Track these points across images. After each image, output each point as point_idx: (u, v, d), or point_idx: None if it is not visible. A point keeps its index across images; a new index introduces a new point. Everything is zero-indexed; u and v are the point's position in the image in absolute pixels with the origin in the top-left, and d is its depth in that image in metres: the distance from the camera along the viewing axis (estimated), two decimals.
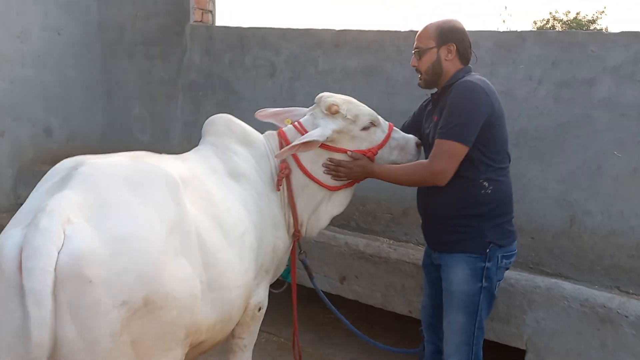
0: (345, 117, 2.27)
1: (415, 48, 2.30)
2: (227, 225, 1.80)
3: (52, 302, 1.26)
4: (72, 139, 4.89)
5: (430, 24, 2.30)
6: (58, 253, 1.28)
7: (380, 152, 2.33)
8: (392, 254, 3.12)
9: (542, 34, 3.08)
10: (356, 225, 3.79)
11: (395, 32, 3.49)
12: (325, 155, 2.28)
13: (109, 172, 1.49)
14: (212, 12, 4.62)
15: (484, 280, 2.18)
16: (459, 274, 2.20)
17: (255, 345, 3.41)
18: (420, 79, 2.33)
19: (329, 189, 2.31)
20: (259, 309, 2.21)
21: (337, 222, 3.88)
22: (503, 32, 3.14)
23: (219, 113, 2.36)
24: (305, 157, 2.27)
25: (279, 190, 2.23)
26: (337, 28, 3.79)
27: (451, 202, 2.20)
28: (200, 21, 4.55)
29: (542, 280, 2.64)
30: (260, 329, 3.60)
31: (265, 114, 2.52)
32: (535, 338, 2.61)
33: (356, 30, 3.71)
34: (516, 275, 2.72)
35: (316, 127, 2.26)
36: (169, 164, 1.76)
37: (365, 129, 2.31)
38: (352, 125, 2.28)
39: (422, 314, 2.62)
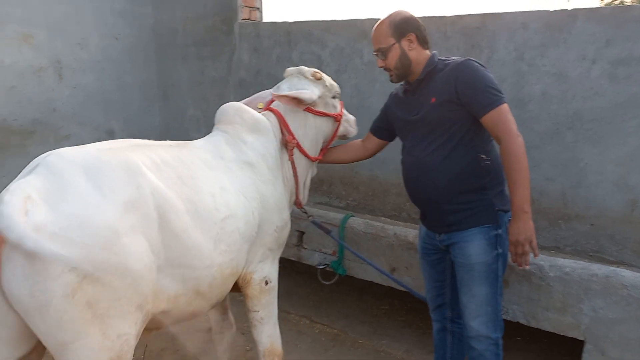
0: (324, 84, 2.59)
1: (377, 50, 2.34)
2: (204, 209, 1.95)
3: (24, 225, 1.44)
4: None
5: (381, 23, 2.33)
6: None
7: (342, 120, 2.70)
8: None
9: (595, 11, 2.91)
10: (407, 215, 3.77)
11: (441, 17, 3.41)
12: (308, 121, 2.54)
13: (71, 160, 1.66)
14: (259, 9, 4.68)
15: (498, 247, 2.24)
16: (476, 247, 2.24)
17: (308, 336, 3.52)
18: (391, 76, 2.37)
19: (311, 160, 2.61)
20: (266, 283, 2.34)
21: (388, 213, 3.87)
22: (553, 11, 3.00)
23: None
24: (296, 127, 2.51)
25: (291, 159, 2.48)
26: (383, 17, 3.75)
27: (454, 182, 2.23)
28: (248, 19, 4.61)
29: (599, 268, 2.53)
30: (313, 321, 3.73)
31: (255, 101, 2.72)
32: (593, 328, 2.50)
33: None
34: (572, 264, 2.61)
35: (313, 88, 2.55)
36: (146, 152, 1.92)
37: (334, 97, 2.66)
38: (328, 92, 2.61)
39: (427, 297, 2.66)
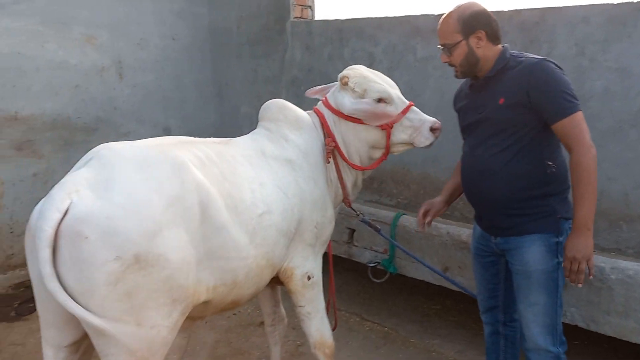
0: (353, 89, 2.39)
1: (442, 45, 2.21)
2: (243, 205, 2.01)
3: (49, 255, 1.54)
4: None
5: (449, 16, 2.19)
6: (63, 215, 1.57)
7: (393, 128, 2.41)
8: None
9: None
10: (460, 214, 3.71)
11: (498, 12, 3.33)
12: (346, 127, 2.44)
13: (122, 155, 1.76)
14: (311, 7, 4.71)
15: (559, 255, 2.12)
16: (535, 254, 2.14)
17: (359, 333, 3.53)
18: (456, 72, 2.25)
19: (352, 167, 2.49)
20: (308, 278, 2.35)
21: None
22: (616, 4, 2.87)
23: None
24: (339, 135, 2.44)
25: (328, 162, 2.40)
26: (436, 13, 3.70)
27: (516, 187, 2.13)
28: (300, 17, 4.66)
29: None
30: (364, 318, 3.74)
31: (313, 91, 2.70)
32: None
33: None
34: (635, 266, 2.51)
35: (335, 100, 2.46)
36: (192, 149, 2.00)
37: (379, 100, 2.38)
38: (360, 99, 2.39)
39: (479, 299, 2.57)
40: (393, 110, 2.39)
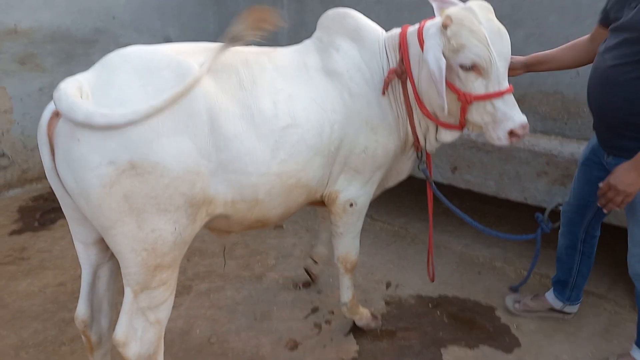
0: (449, 39, 1.91)
1: None
2: (261, 116, 1.88)
3: (48, 152, 1.64)
4: None
5: None
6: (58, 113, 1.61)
7: (472, 105, 1.97)
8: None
9: None
10: None
11: None
12: (423, 71, 2.06)
13: (127, 60, 1.71)
14: None
15: None
16: None
17: (370, 232, 3.67)
18: None
19: (429, 118, 2.14)
20: (350, 205, 2.26)
21: None
22: None
23: (325, 11, 2.31)
24: (415, 65, 2.10)
25: (384, 94, 2.13)
26: None
27: (637, 106, 1.92)
28: None
29: None
30: (374, 219, 3.88)
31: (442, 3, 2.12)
32: None
33: None
34: None
35: (427, 39, 1.97)
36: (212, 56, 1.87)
37: (464, 68, 1.92)
38: (452, 53, 1.91)
39: (563, 209, 2.55)
40: (481, 86, 1.94)
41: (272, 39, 4.69)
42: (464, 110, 1.99)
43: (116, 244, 1.69)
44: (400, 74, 2.10)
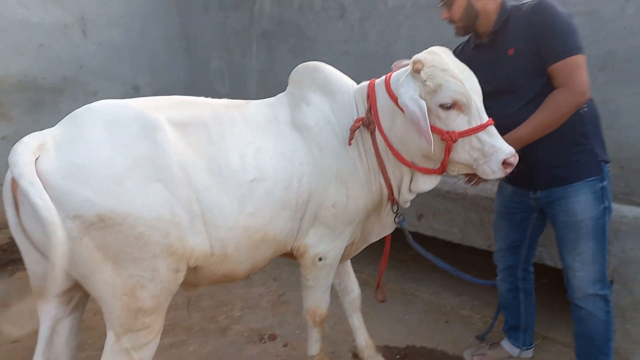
0: (424, 82, 1.89)
1: (441, 0, 2.18)
2: (228, 169, 1.88)
3: (12, 208, 1.64)
4: (159, 95, 5.14)
5: None
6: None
7: (456, 143, 1.92)
8: (469, 190, 3.10)
9: None
10: None
11: None
12: (397, 118, 2.02)
13: (95, 114, 1.73)
14: None
15: (604, 200, 2.14)
16: (581, 203, 2.13)
17: None
18: (456, 29, 2.22)
19: (406, 165, 2.09)
20: (320, 259, 2.19)
21: None
22: None
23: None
24: (384, 116, 2.06)
25: (350, 144, 2.09)
26: None
27: (560, 133, 2.07)
28: None
29: (629, 210, 2.53)
30: None
31: (400, 64, 2.15)
32: (622, 269, 2.53)
33: None
34: None
35: (398, 83, 1.98)
36: (182, 110, 1.92)
37: (444, 107, 1.89)
38: (430, 95, 1.89)
39: (496, 257, 2.64)
40: (463, 122, 1.91)
41: (241, 87, 4.76)
42: (448, 150, 1.93)
43: (96, 290, 1.68)
44: (368, 124, 2.08)
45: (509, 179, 2.19)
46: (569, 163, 2.14)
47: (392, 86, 2.02)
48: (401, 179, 2.17)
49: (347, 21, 3.98)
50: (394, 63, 2.20)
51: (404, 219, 2.29)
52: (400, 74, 2.03)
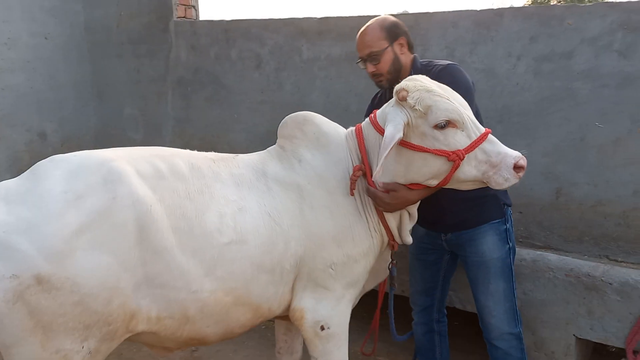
0: (413, 107, 1.85)
1: (368, 55, 2.26)
2: (201, 229, 1.77)
3: None
4: (67, 142, 4.93)
5: (371, 27, 2.28)
6: None
7: (463, 160, 1.85)
8: None
9: (520, 10, 3.08)
10: None
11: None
12: (408, 159, 1.92)
13: (57, 165, 1.63)
14: (195, 7, 4.63)
15: (509, 241, 2.28)
16: (488, 244, 2.26)
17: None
18: (380, 81, 2.31)
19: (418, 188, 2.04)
20: (322, 328, 2.00)
21: None
22: (481, 10, 3.14)
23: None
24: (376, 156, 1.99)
25: (352, 194, 1.99)
26: (319, 16, 3.81)
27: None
28: (184, 17, 4.56)
29: (527, 253, 2.69)
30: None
31: None
32: (524, 310, 2.66)
33: (338, 17, 3.72)
34: None
35: (385, 117, 1.95)
36: (159, 161, 1.81)
37: (438, 127, 1.84)
38: (421, 119, 1.85)
39: (414, 299, 2.67)
40: (463, 138, 1.85)
41: (156, 134, 4.67)
42: (455, 168, 1.85)
43: None
44: (358, 169, 2.00)
45: (420, 221, 2.23)
46: (475, 207, 2.26)
47: (380, 122, 1.99)
48: (399, 219, 2.10)
49: (264, 71, 4.05)
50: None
51: (395, 266, 2.22)
52: (384, 109, 2.02)
